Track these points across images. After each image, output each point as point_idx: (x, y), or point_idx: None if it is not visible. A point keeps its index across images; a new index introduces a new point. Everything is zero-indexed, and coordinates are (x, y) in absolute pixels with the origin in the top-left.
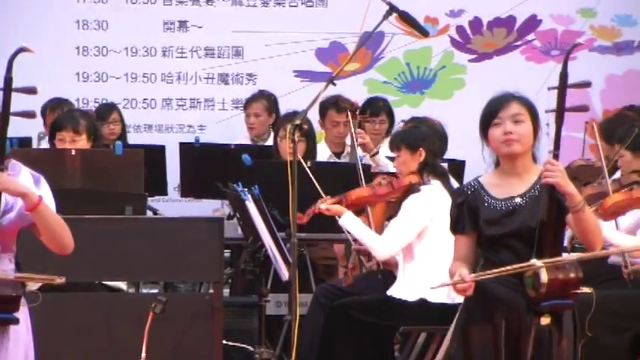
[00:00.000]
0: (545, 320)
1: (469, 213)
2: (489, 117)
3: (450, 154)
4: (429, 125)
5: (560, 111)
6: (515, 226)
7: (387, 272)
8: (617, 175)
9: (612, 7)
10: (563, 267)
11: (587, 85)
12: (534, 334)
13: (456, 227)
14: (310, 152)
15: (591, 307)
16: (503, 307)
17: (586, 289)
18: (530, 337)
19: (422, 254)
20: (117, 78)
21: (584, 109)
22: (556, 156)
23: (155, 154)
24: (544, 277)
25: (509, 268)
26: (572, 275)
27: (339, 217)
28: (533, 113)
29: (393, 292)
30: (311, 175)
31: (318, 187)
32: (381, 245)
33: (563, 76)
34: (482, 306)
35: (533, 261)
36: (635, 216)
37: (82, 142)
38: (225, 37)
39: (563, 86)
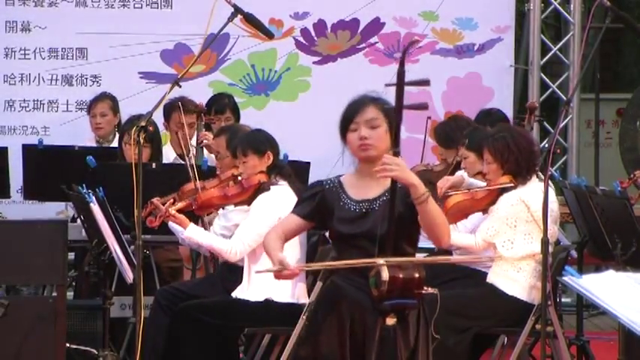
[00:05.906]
0: (390, 320)
1: (318, 205)
2: (347, 122)
3: (294, 156)
4: None
5: (399, 109)
6: (367, 227)
7: (226, 273)
8: None
9: (454, 11)
10: (406, 266)
11: (425, 83)
12: (379, 335)
13: (296, 207)
14: (155, 155)
15: (436, 308)
16: (350, 306)
17: (431, 290)
18: (374, 337)
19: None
20: None
21: (423, 107)
22: (396, 153)
23: None
24: (385, 275)
25: (349, 262)
26: (414, 275)
27: (184, 229)
28: (390, 115)
29: (238, 293)
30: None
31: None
32: (231, 248)
33: (401, 73)
34: (330, 305)
35: (377, 259)
36: (477, 220)
37: None
38: (69, 38)
39: (400, 83)
